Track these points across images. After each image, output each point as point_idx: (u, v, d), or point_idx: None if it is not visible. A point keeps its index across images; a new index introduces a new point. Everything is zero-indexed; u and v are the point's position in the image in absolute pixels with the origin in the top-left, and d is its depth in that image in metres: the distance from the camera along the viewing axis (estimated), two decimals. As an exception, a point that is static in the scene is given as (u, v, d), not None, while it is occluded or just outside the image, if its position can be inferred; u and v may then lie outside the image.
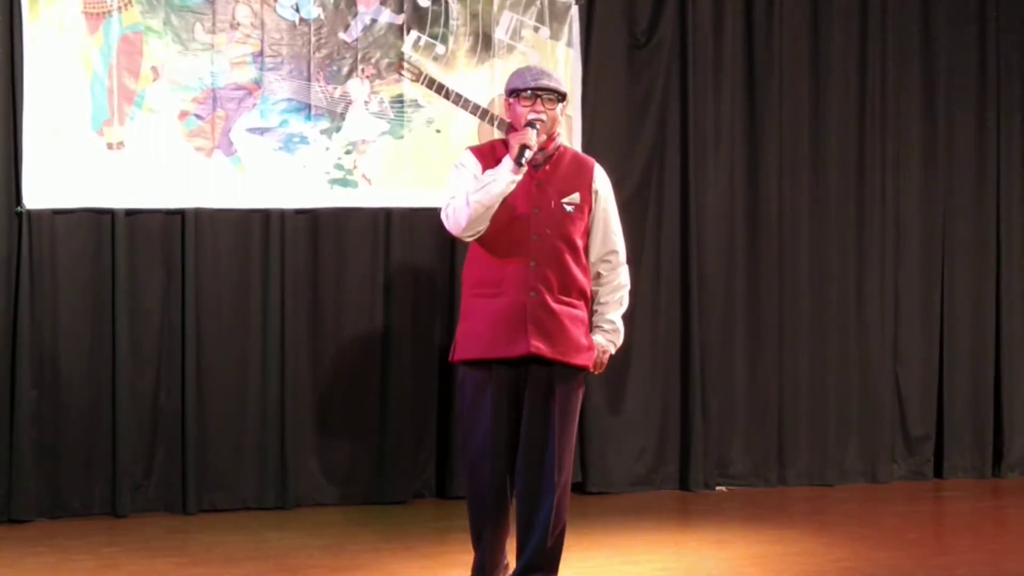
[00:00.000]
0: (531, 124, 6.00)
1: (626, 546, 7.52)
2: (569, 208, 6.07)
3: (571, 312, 6.08)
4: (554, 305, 6.03)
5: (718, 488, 8.98)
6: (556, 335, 6.03)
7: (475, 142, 7.97)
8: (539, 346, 6.00)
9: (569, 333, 6.06)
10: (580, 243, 6.11)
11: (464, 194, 5.98)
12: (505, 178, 5.97)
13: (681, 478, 8.97)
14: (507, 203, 6.00)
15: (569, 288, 6.06)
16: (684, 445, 8.95)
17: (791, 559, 7.24)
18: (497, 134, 8.33)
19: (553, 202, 6.05)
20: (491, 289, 6.04)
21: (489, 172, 6.00)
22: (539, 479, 6.05)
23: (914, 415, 9.33)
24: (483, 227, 5.99)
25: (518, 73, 6.17)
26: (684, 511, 8.58)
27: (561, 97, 6.09)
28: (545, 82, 6.05)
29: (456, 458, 8.47)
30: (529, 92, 6.03)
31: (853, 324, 9.21)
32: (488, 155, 6.11)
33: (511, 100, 6.10)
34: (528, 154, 5.96)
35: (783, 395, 9.10)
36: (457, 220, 6.00)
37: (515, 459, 6.07)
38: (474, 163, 6.08)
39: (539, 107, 6.03)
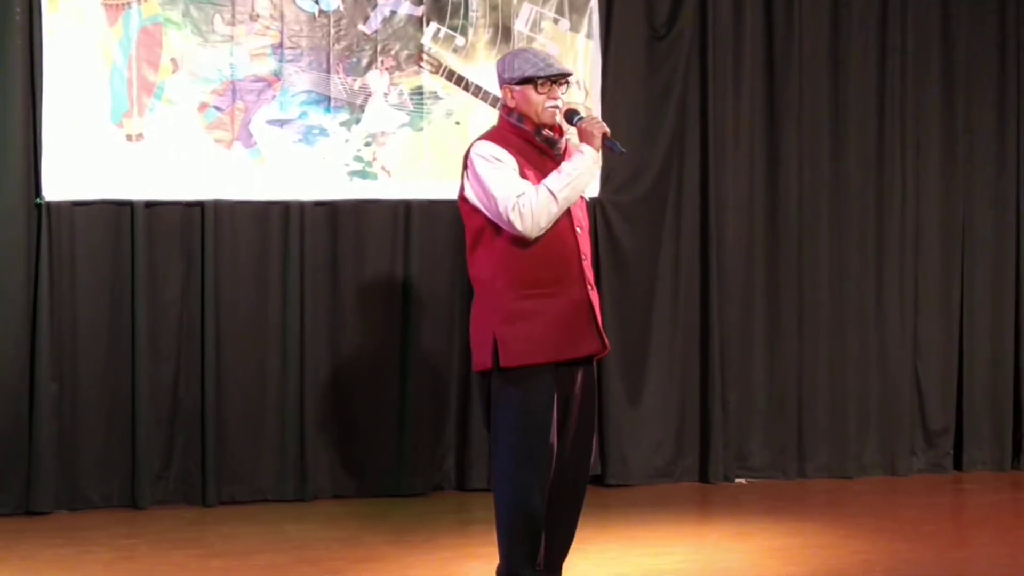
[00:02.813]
0: (575, 112, 5.82)
1: (645, 538, 7.52)
2: (584, 195, 5.92)
3: None
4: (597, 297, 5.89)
5: (737, 480, 8.96)
6: (602, 327, 5.87)
7: (494, 134, 7.93)
8: (606, 342, 5.82)
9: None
10: None
11: (544, 191, 5.64)
12: (592, 171, 5.78)
13: (700, 470, 8.95)
14: None
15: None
16: (703, 437, 8.94)
17: (810, 551, 7.23)
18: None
19: None
20: (549, 288, 5.69)
21: (567, 165, 5.72)
22: (580, 478, 5.88)
23: (933, 408, 9.30)
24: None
25: (522, 58, 5.81)
26: (703, 503, 8.57)
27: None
28: (559, 67, 5.81)
29: (475, 450, 8.47)
30: (548, 79, 5.75)
31: (872, 316, 9.18)
32: (507, 144, 5.77)
33: (520, 87, 5.77)
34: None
35: (802, 387, 9.08)
36: (537, 220, 5.63)
37: None
38: (509, 157, 5.74)
39: (555, 93, 5.77)
